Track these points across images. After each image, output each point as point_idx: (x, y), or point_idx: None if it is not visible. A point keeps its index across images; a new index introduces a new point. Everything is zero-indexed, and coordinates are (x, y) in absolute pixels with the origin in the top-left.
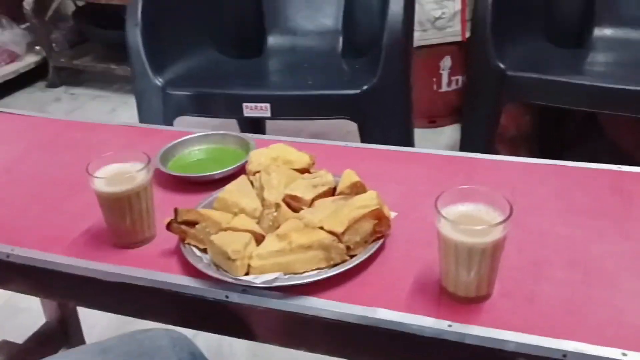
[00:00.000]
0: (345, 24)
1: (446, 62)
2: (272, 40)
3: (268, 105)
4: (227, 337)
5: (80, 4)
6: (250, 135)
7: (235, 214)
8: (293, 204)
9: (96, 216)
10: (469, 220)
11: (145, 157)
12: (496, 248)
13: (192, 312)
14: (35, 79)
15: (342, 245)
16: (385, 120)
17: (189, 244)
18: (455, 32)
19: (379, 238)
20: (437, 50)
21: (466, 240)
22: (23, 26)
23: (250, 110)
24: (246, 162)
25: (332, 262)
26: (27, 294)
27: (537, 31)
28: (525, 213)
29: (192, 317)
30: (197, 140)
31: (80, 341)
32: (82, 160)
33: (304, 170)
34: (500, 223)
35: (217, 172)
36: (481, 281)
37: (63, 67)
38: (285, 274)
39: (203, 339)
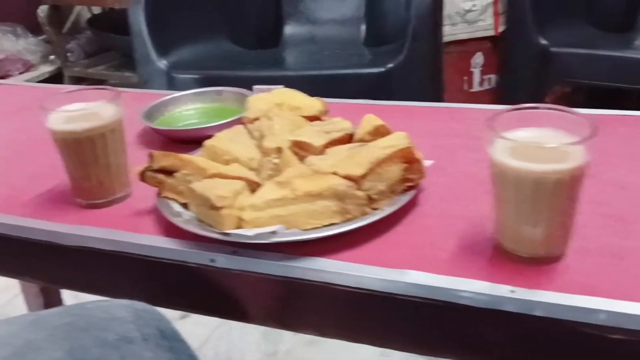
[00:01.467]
0: (369, 12)
1: (477, 59)
2: (290, 29)
3: (281, 87)
4: (237, 346)
5: (97, 11)
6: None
7: (227, 163)
8: (300, 153)
9: (62, 176)
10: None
11: (115, 92)
12: (575, 182)
13: (169, 284)
14: None
15: (361, 193)
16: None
17: (166, 197)
18: (487, 26)
19: (410, 188)
20: (467, 46)
21: (533, 168)
22: (41, 37)
23: (262, 92)
24: None
25: (348, 216)
26: None
27: (579, 16)
28: (593, 165)
29: (170, 292)
30: (190, 99)
31: None
32: None
33: (314, 119)
34: (582, 142)
35: (211, 124)
36: (553, 233)
37: (78, 76)
38: (287, 229)
39: (211, 348)
